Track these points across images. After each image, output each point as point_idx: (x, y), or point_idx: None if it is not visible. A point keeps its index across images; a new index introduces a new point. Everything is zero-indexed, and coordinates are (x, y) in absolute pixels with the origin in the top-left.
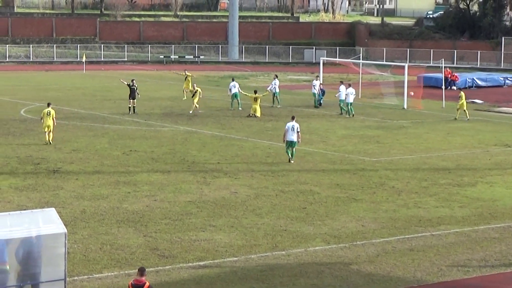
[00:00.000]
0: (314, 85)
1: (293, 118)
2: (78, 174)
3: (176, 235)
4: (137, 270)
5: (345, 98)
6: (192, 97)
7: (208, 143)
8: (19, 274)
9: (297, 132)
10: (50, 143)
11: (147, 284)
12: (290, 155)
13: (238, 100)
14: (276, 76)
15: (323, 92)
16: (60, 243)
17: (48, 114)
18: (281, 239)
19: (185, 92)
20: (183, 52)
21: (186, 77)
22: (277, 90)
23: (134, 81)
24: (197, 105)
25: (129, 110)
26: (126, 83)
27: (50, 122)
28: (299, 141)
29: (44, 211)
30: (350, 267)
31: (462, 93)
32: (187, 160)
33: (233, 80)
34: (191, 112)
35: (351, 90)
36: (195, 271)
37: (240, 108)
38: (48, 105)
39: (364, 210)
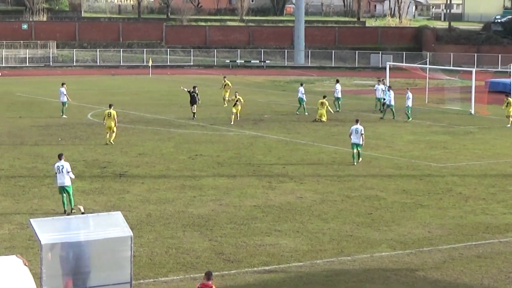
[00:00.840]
0: (376, 89)
1: (357, 121)
2: (144, 178)
3: (241, 240)
4: (203, 274)
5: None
6: (234, 106)
7: (274, 147)
8: (85, 277)
9: (361, 134)
10: (111, 143)
11: (213, 287)
12: (354, 157)
13: (303, 105)
14: (338, 81)
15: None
16: (126, 246)
17: (109, 115)
18: (347, 244)
19: (225, 100)
20: (249, 56)
21: (225, 84)
22: (339, 95)
23: (196, 88)
24: (238, 115)
25: (193, 115)
26: (186, 89)
27: (110, 123)
28: (362, 144)
29: (110, 215)
30: (416, 273)
31: (510, 99)
32: (252, 165)
33: (301, 85)
34: (232, 123)
35: (409, 94)
36: (260, 276)
37: (297, 113)
38: (110, 106)
39: (431, 216)
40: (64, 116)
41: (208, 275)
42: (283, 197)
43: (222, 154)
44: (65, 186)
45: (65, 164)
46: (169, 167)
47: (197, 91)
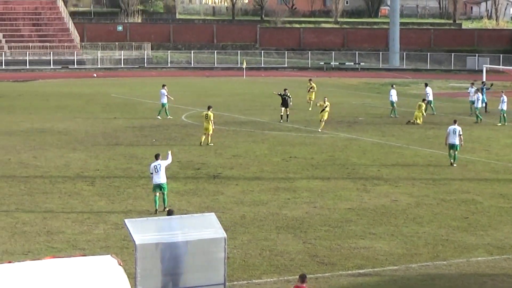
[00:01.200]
0: (469, 92)
1: (455, 121)
2: (238, 180)
3: (335, 242)
4: (297, 276)
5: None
6: (321, 112)
7: (368, 150)
8: (179, 277)
9: (459, 135)
10: (208, 144)
11: None
12: (452, 158)
13: (394, 108)
14: (427, 84)
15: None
16: (220, 247)
17: (206, 117)
18: (443, 248)
19: (310, 103)
20: (343, 58)
21: (311, 87)
22: (431, 98)
23: (286, 90)
24: (323, 123)
25: (281, 118)
26: (278, 93)
27: (207, 124)
28: (461, 144)
29: (204, 216)
30: None
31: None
32: (347, 167)
33: (392, 87)
34: (320, 130)
35: (504, 97)
36: (355, 279)
37: (391, 116)
38: (208, 108)
39: None
40: (169, 117)
41: (303, 278)
42: (378, 200)
43: (316, 156)
44: (161, 184)
45: (162, 163)
46: (263, 169)
47: (288, 94)
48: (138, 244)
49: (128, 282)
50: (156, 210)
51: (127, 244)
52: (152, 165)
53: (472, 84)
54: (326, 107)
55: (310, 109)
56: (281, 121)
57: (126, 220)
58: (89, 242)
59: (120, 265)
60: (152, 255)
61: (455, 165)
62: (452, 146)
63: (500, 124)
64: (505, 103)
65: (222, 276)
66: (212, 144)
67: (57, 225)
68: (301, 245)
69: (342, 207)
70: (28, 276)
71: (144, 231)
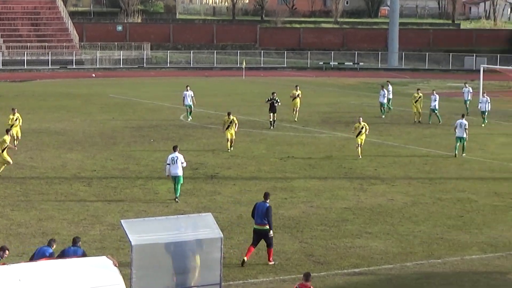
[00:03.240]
0: (463, 92)
1: (463, 116)
2: (236, 180)
3: (331, 242)
4: (302, 275)
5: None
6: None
7: (366, 149)
8: (175, 277)
9: (465, 129)
10: (228, 150)
11: None
12: (456, 150)
13: (387, 106)
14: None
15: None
16: (217, 247)
17: (230, 123)
18: (437, 247)
19: (296, 111)
20: (342, 58)
21: (298, 95)
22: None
23: (274, 94)
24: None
25: (270, 124)
26: (266, 100)
27: (231, 130)
28: (466, 138)
29: (201, 216)
30: (507, 276)
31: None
32: (344, 167)
33: (382, 88)
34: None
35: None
36: (350, 278)
37: (383, 116)
38: (228, 114)
39: None
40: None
41: (307, 276)
42: (374, 199)
43: (313, 156)
44: (178, 176)
45: (179, 156)
46: (260, 169)
47: (276, 98)
48: (134, 244)
49: (124, 283)
50: (176, 198)
51: (123, 245)
52: (170, 156)
53: (466, 84)
54: (362, 128)
55: (295, 119)
56: (271, 127)
57: (122, 221)
58: (84, 243)
59: (116, 266)
60: (148, 256)
61: (464, 155)
62: (460, 139)
63: (430, 122)
64: (436, 102)
65: (218, 276)
66: (229, 150)
67: (52, 226)
68: (297, 245)
69: (339, 206)
70: (23, 277)
71: (140, 232)
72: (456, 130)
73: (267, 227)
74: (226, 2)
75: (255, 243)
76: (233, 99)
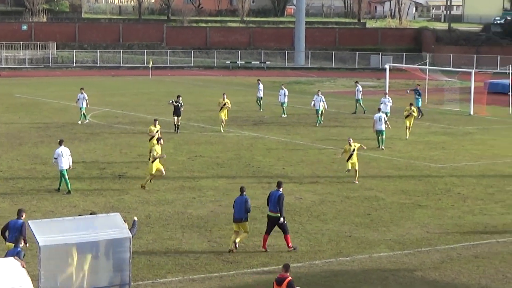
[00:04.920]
0: (357, 90)
1: (379, 109)
2: (143, 179)
3: (240, 241)
4: (282, 266)
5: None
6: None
7: (273, 148)
8: (83, 278)
9: (385, 121)
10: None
11: (289, 278)
12: (379, 142)
13: (283, 108)
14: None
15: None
16: (125, 247)
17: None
18: (346, 245)
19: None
20: (249, 57)
21: (224, 104)
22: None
23: (180, 97)
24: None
25: (174, 128)
26: (170, 102)
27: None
28: (389, 127)
29: (109, 216)
30: (414, 273)
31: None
32: (252, 166)
33: (282, 87)
34: (222, 130)
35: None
36: (259, 277)
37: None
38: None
39: (429, 217)
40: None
41: (286, 267)
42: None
43: (221, 155)
44: (64, 169)
45: (65, 150)
46: (168, 168)
47: (181, 101)
48: (41, 245)
49: (31, 284)
50: (58, 189)
51: (30, 246)
52: (56, 150)
53: (357, 82)
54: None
55: (222, 130)
56: (175, 131)
57: (29, 221)
58: None
59: (23, 267)
60: (56, 257)
61: (382, 148)
62: (379, 132)
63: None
64: (261, 91)
65: (127, 276)
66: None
67: None
68: (206, 244)
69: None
70: None
71: (48, 232)
72: (375, 125)
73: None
74: (132, 1)
75: (268, 230)
76: (140, 98)
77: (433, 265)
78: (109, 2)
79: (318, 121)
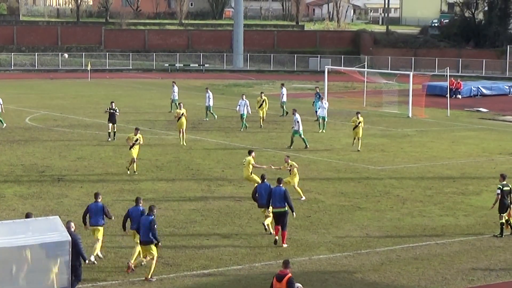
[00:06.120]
0: (282, 93)
1: (294, 111)
2: (83, 182)
3: (180, 243)
4: (282, 262)
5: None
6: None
7: (213, 151)
8: (23, 282)
9: (297, 122)
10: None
11: (289, 275)
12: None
13: (210, 112)
14: (283, 85)
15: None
16: (65, 251)
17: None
18: (285, 247)
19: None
20: (187, 60)
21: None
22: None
23: (113, 103)
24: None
25: (109, 135)
26: (106, 110)
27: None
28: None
29: (48, 219)
30: (354, 275)
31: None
32: (191, 168)
33: (207, 90)
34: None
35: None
36: (199, 279)
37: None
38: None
39: (369, 219)
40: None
41: (286, 264)
42: (222, 200)
43: (161, 157)
44: None
45: None
46: (107, 171)
47: (115, 108)
48: None
49: None
50: None
51: None
52: None
53: (282, 85)
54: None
55: (184, 143)
56: (109, 139)
57: None
58: None
59: None
60: None
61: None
62: (295, 132)
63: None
64: (176, 93)
65: (66, 279)
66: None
67: None
68: None
69: (187, 208)
70: None
71: None
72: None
73: (285, 208)
74: (70, 4)
75: (277, 223)
76: (79, 101)
77: (372, 267)
78: (47, 4)
79: (243, 126)
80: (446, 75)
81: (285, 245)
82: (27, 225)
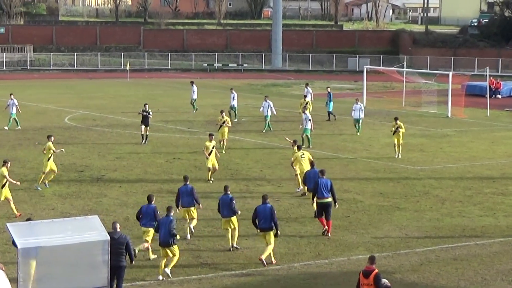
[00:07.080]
0: (307, 93)
1: (357, 100)
2: (122, 182)
3: (219, 243)
4: (368, 258)
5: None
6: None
7: (251, 151)
8: (62, 281)
9: (362, 110)
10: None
11: (376, 271)
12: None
13: (234, 111)
14: (307, 84)
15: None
16: (103, 250)
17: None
18: (324, 247)
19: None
20: (226, 60)
21: (224, 121)
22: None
23: (147, 105)
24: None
25: (142, 138)
26: (139, 112)
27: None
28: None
29: (87, 219)
30: (393, 276)
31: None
32: (230, 168)
33: (231, 91)
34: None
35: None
36: (238, 279)
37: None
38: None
39: (408, 219)
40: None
41: (372, 260)
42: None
43: (199, 157)
44: None
45: None
46: (146, 171)
47: (149, 110)
48: (20, 248)
49: (10, 286)
50: None
51: (9, 248)
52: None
53: (307, 84)
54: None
55: (223, 151)
56: (142, 141)
57: (8, 224)
58: None
59: (2, 269)
60: (35, 259)
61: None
62: (356, 121)
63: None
64: (195, 93)
65: (105, 279)
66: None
67: None
68: (184, 246)
69: None
70: None
71: (27, 235)
72: (354, 113)
73: (330, 199)
74: (109, 4)
75: (320, 215)
76: (118, 101)
77: (411, 268)
78: (86, 5)
79: (266, 127)
80: (486, 75)
81: (328, 234)
82: (66, 224)
